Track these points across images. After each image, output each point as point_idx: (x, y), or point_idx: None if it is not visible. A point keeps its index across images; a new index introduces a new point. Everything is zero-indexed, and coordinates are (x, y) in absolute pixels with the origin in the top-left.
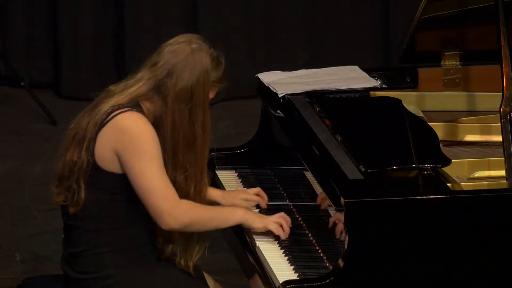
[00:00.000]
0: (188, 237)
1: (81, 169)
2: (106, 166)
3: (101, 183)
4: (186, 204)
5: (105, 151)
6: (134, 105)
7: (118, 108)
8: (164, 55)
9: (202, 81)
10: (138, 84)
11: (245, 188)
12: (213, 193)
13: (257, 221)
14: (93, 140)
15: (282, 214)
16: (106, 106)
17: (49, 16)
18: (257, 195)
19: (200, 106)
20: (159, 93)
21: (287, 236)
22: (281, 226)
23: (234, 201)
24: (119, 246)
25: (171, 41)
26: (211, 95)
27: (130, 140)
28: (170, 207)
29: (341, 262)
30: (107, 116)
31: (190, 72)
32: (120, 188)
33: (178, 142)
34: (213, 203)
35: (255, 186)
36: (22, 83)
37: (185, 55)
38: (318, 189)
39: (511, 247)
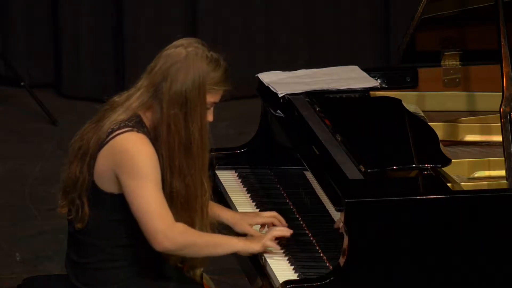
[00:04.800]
0: None
1: (83, 186)
2: (105, 187)
3: (100, 203)
4: (182, 226)
5: (104, 171)
6: (135, 122)
7: (119, 128)
8: (160, 60)
9: (197, 85)
10: (138, 92)
11: (256, 208)
12: (222, 214)
13: (256, 246)
14: (94, 158)
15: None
16: (108, 122)
17: (49, 16)
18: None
19: (196, 111)
20: (156, 98)
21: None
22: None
23: (246, 228)
24: (120, 263)
25: (169, 45)
26: (214, 98)
27: (127, 160)
28: (165, 228)
29: (341, 262)
30: (108, 136)
31: (184, 76)
32: (119, 208)
33: (174, 147)
34: (223, 225)
35: (255, 186)
36: (22, 83)
37: (180, 59)
38: (318, 189)
39: (511, 247)
